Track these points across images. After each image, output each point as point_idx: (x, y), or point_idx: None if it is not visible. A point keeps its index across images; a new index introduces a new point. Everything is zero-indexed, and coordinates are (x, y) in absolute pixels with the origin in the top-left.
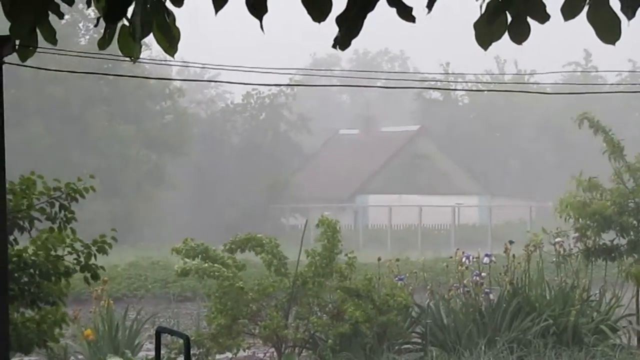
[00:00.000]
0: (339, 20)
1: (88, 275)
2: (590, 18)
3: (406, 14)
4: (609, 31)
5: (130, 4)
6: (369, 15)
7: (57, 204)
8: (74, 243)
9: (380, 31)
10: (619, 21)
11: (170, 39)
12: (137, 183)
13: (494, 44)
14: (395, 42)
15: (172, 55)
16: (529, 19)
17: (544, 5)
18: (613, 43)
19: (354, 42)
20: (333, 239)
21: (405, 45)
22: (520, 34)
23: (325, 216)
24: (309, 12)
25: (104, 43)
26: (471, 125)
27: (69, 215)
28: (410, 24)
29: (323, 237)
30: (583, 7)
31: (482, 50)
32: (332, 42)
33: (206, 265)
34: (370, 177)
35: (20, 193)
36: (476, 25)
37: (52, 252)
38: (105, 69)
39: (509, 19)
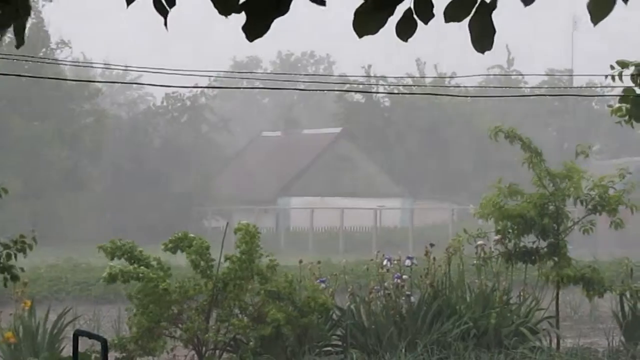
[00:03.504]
0: (247, 10)
1: (8, 276)
2: (471, 25)
3: None
4: (483, 40)
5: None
6: (296, 18)
7: None
8: None
9: (306, 34)
10: (493, 32)
11: (20, 38)
12: (57, 184)
13: (417, 45)
14: (320, 45)
15: (18, 47)
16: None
17: (432, 5)
18: (483, 52)
19: (278, 44)
20: (252, 245)
21: (330, 49)
22: (406, 31)
23: (243, 223)
24: (215, 5)
25: None
26: (393, 128)
27: None
28: (335, 25)
29: (241, 243)
30: (467, 15)
31: (401, 49)
32: (252, 43)
33: (131, 267)
34: (292, 179)
35: None
36: (357, 12)
37: None
38: (26, 70)
39: (392, 14)
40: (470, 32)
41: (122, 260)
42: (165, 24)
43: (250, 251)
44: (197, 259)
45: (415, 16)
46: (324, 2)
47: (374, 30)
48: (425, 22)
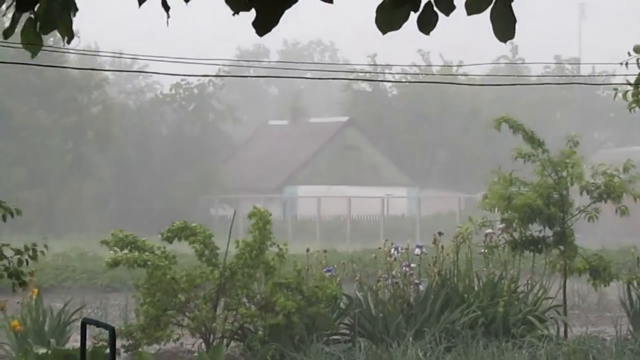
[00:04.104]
0: (256, 5)
1: (16, 282)
2: (492, 16)
3: None
4: (504, 29)
5: None
6: (299, 5)
7: None
8: (3, 247)
9: (311, 22)
10: (514, 21)
11: (69, 33)
12: (63, 173)
13: (423, 36)
14: (326, 33)
15: (69, 42)
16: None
17: None
18: (505, 41)
19: (284, 32)
20: (264, 231)
21: (335, 37)
22: (427, 24)
23: (258, 208)
24: (227, 2)
25: (8, 33)
26: (400, 117)
27: None
28: (339, 13)
29: (255, 228)
30: (488, 6)
31: (406, 38)
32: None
33: (137, 254)
34: (299, 168)
35: None
36: (379, 10)
37: None
38: (33, 59)
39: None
40: (492, 23)
41: (126, 252)
42: (167, 21)
43: (263, 238)
44: (202, 248)
45: (435, 9)
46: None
47: (397, 26)
48: (447, 14)
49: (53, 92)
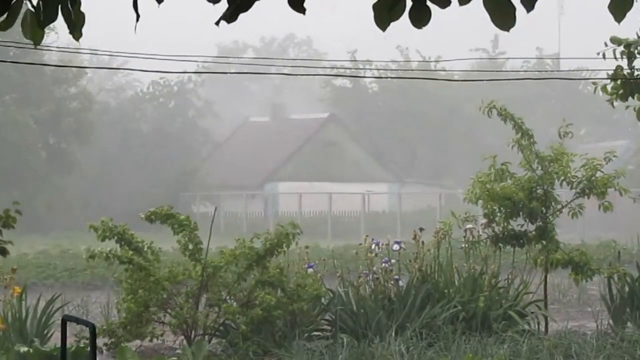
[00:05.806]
0: None
1: None
2: (486, 4)
3: (297, 4)
4: (503, 18)
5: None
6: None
7: None
8: None
9: (285, 16)
10: (513, 9)
11: (71, 25)
12: (44, 171)
13: (402, 31)
14: (300, 27)
15: (77, 40)
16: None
17: None
18: (507, 30)
19: (260, 29)
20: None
21: (310, 30)
22: (420, 19)
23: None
24: None
25: (6, 25)
26: (380, 113)
27: None
28: (317, 9)
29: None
30: None
31: (385, 33)
32: (234, 28)
33: (124, 250)
34: (280, 164)
35: None
36: (376, 7)
37: None
38: (12, 56)
39: (409, 3)
40: (488, 12)
41: (112, 242)
42: (135, 26)
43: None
44: (187, 241)
45: (428, 2)
46: (305, 10)
47: (395, 18)
48: (442, 7)
49: (31, 85)
